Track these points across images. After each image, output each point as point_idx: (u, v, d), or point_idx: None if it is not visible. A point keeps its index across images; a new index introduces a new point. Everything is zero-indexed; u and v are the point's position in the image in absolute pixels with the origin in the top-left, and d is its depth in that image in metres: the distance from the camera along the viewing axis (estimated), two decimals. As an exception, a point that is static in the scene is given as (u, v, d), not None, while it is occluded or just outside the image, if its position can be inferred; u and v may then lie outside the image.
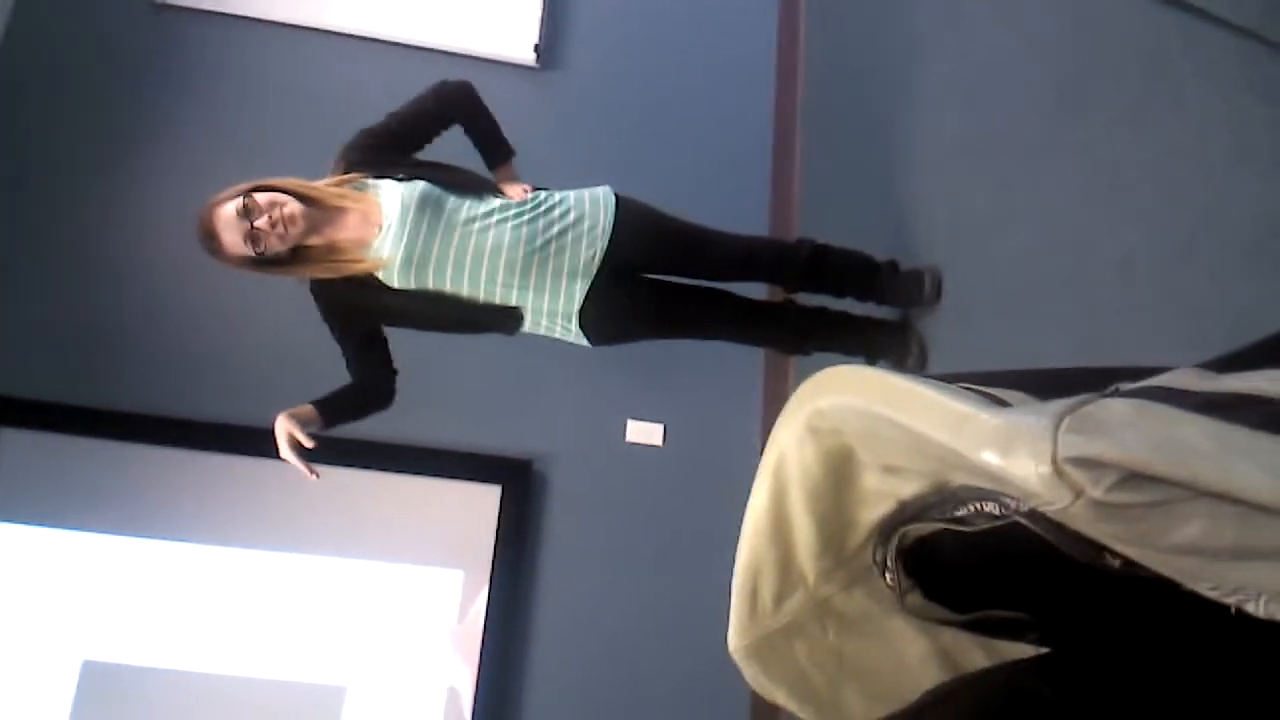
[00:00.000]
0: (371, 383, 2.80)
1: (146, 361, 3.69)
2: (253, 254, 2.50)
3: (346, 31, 4.20)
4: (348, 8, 4.22)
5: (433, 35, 4.24)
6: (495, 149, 2.79)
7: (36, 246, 3.75)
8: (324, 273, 2.64)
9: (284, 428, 2.56)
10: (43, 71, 3.95)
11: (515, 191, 2.72)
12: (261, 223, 2.47)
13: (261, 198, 2.49)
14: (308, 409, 2.66)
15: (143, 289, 3.77)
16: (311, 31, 4.17)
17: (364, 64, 4.18)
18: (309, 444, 2.54)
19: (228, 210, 2.48)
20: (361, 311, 2.71)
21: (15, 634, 3.41)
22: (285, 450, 2.55)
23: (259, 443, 3.62)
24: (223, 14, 4.12)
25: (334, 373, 3.66)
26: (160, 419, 3.62)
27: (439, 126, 2.77)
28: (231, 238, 2.49)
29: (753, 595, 1.11)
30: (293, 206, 2.50)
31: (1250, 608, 0.81)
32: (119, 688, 3.42)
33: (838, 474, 1.04)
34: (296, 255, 2.61)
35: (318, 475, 2.61)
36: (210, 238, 2.52)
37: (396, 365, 2.83)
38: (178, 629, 3.49)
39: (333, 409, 2.71)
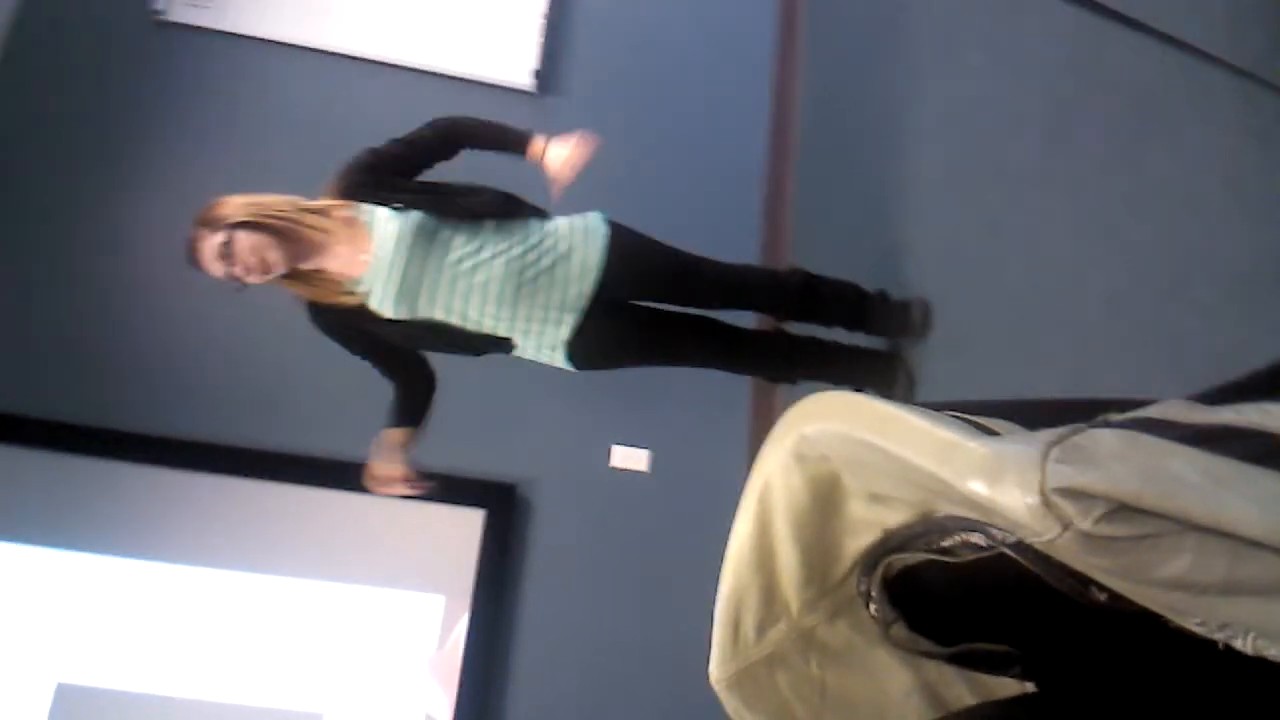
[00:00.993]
0: (410, 377, 2.83)
1: (129, 379, 3.67)
2: (234, 288, 2.55)
3: (346, 53, 4.20)
4: (348, 29, 4.23)
5: (432, 58, 4.25)
6: (512, 144, 2.80)
7: (27, 261, 3.73)
8: (311, 294, 2.63)
9: (383, 475, 2.78)
10: (43, 86, 3.95)
11: (563, 166, 2.73)
12: (238, 269, 2.49)
13: (242, 243, 2.47)
14: (397, 433, 2.79)
15: (131, 306, 3.75)
16: (311, 52, 4.18)
17: (363, 85, 4.19)
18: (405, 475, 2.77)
19: (211, 244, 2.49)
20: (358, 333, 2.71)
21: (-11, 650, 3.36)
22: (393, 489, 2.79)
23: (238, 462, 3.62)
24: (223, 32, 4.12)
25: (325, 392, 3.65)
26: (138, 436, 3.58)
27: (438, 155, 2.76)
28: (213, 267, 2.52)
29: (735, 625, 1.10)
30: (273, 255, 2.49)
31: (1238, 644, 0.80)
32: (93, 711, 3.37)
33: (824, 501, 1.03)
34: (286, 274, 2.60)
35: (424, 485, 2.82)
36: (193, 260, 2.55)
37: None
38: (153, 652, 3.44)
39: (410, 415, 2.84)
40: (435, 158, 2.76)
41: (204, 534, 3.56)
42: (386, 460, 2.76)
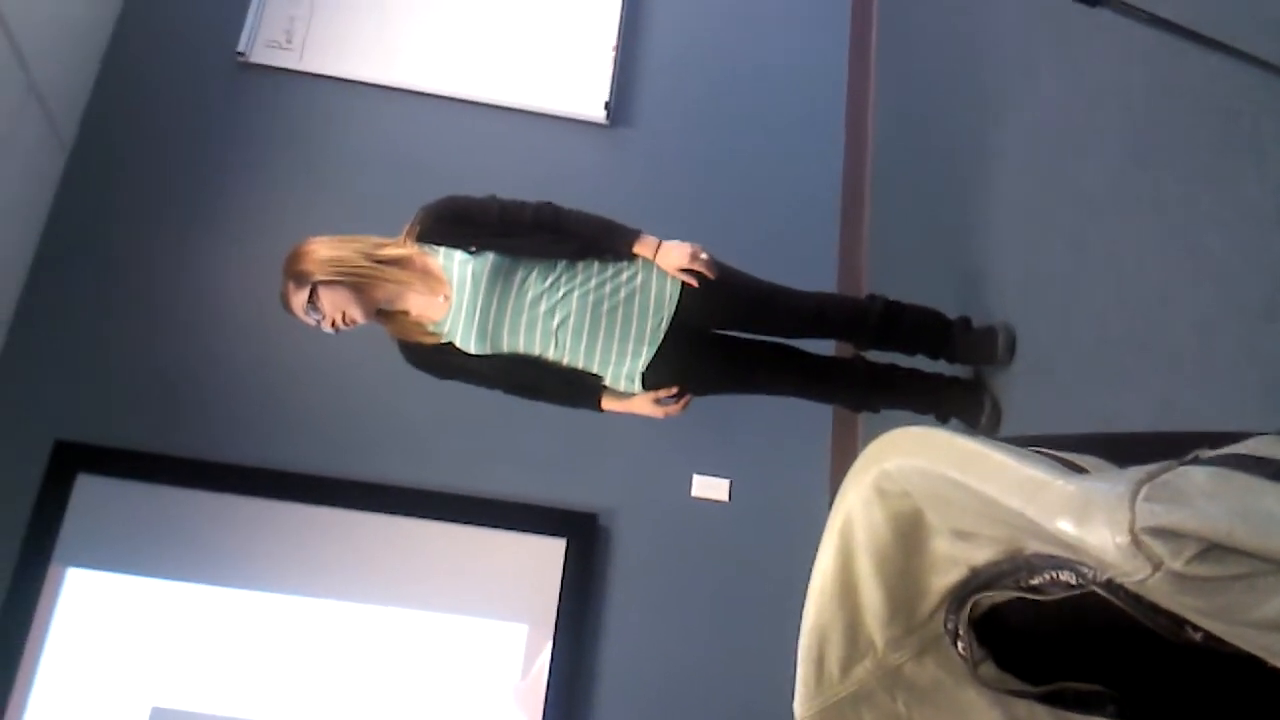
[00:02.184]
0: (530, 379, 2.78)
1: (222, 411, 3.78)
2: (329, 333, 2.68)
3: (421, 90, 4.30)
4: (423, 67, 4.32)
5: (505, 93, 4.33)
6: (615, 244, 2.71)
7: (120, 296, 3.87)
8: (399, 333, 2.72)
9: (649, 407, 2.82)
10: (128, 130, 4.10)
11: (676, 261, 2.66)
12: (326, 323, 2.63)
13: (325, 300, 2.59)
14: (621, 403, 2.83)
15: (220, 340, 3.87)
16: (387, 89, 4.29)
17: (438, 121, 4.28)
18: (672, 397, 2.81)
19: (297, 300, 2.62)
20: (444, 363, 2.77)
21: (87, 678, 3.47)
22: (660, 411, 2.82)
23: (327, 491, 3.70)
24: (304, 73, 4.25)
25: (402, 423, 3.72)
26: (231, 466, 3.69)
27: (526, 234, 2.68)
28: (305, 319, 2.65)
29: (819, 661, 1.09)
30: (351, 310, 2.62)
31: (1338, 688, 0.77)
32: (187, 735, 3.46)
33: (907, 538, 1.02)
34: (375, 314, 2.70)
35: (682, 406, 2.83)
36: (287, 309, 2.67)
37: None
38: (245, 677, 3.53)
39: (581, 393, 2.83)
40: (522, 232, 2.69)
41: (295, 563, 3.65)
42: (639, 406, 2.82)
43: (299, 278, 2.60)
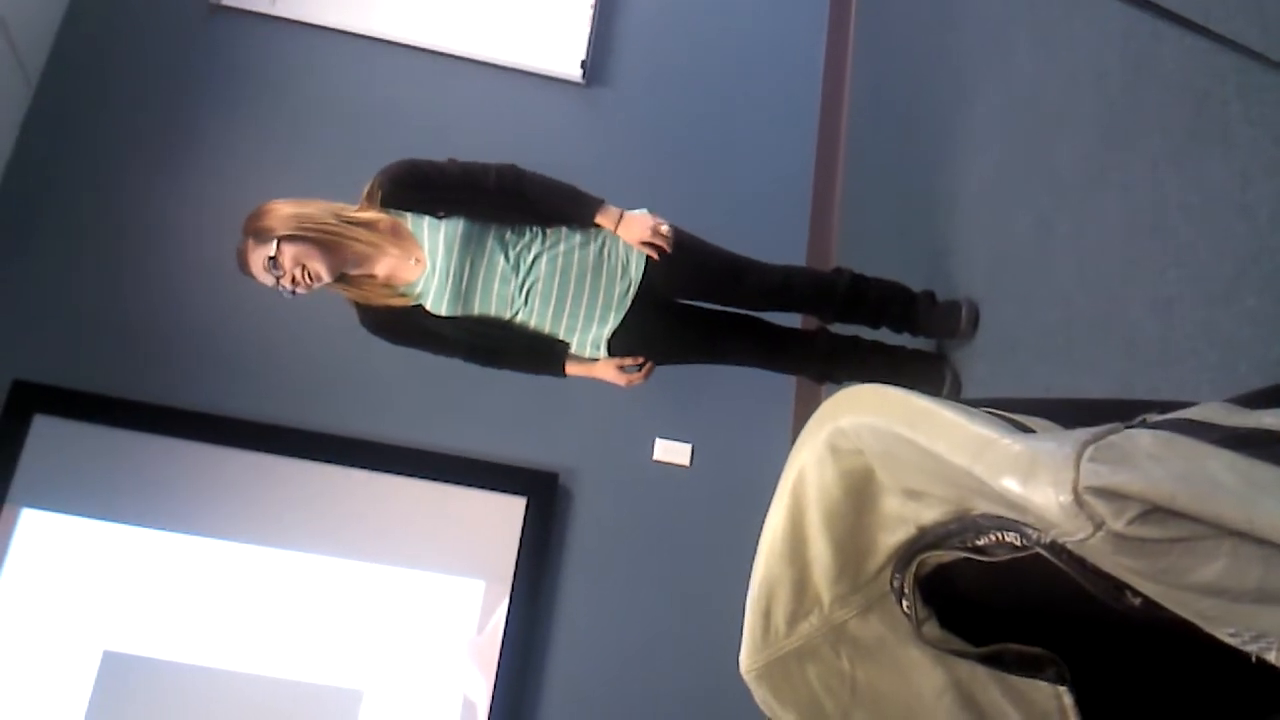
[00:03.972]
0: (490, 344, 2.76)
1: (184, 356, 3.74)
2: (284, 296, 2.59)
3: (396, 40, 4.25)
4: (399, 17, 4.27)
5: (481, 48, 4.28)
6: (576, 213, 2.70)
7: (81, 239, 3.81)
8: (360, 297, 2.66)
9: (613, 373, 2.83)
10: (96, 69, 4.03)
11: (636, 234, 2.67)
12: (285, 280, 2.54)
13: (288, 255, 2.51)
14: (584, 366, 2.83)
15: (184, 286, 3.82)
16: (361, 39, 4.23)
17: (412, 73, 4.23)
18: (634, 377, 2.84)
19: (258, 256, 2.54)
20: (407, 328, 2.73)
21: (38, 621, 3.45)
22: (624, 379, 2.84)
23: (288, 442, 3.68)
24: (274, 17, 4.19)
25: (362, 375, 3.69)
26: (192, 413, 3.66)
27: (490, 199, 2.65)
28: (262, 278, 2.57)
29: (766, 615, 1.10)
30: (316, 266, 2.53)
31: (1271, 657, 0.79)
32: (138, 680, 3.44)
33: (858, 495, 1.03)
34: (336, 279, 2.63)
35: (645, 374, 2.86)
36: (244, 268, 2.60)
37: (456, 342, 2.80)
38: (199, 624, 3.52)
39: (544, 361, 2.83)
40: (485, 198, 2.66)
41: (253, 512, 3.64)
42: (618, 375, 2.83)
43: (261, 234, 2.53)
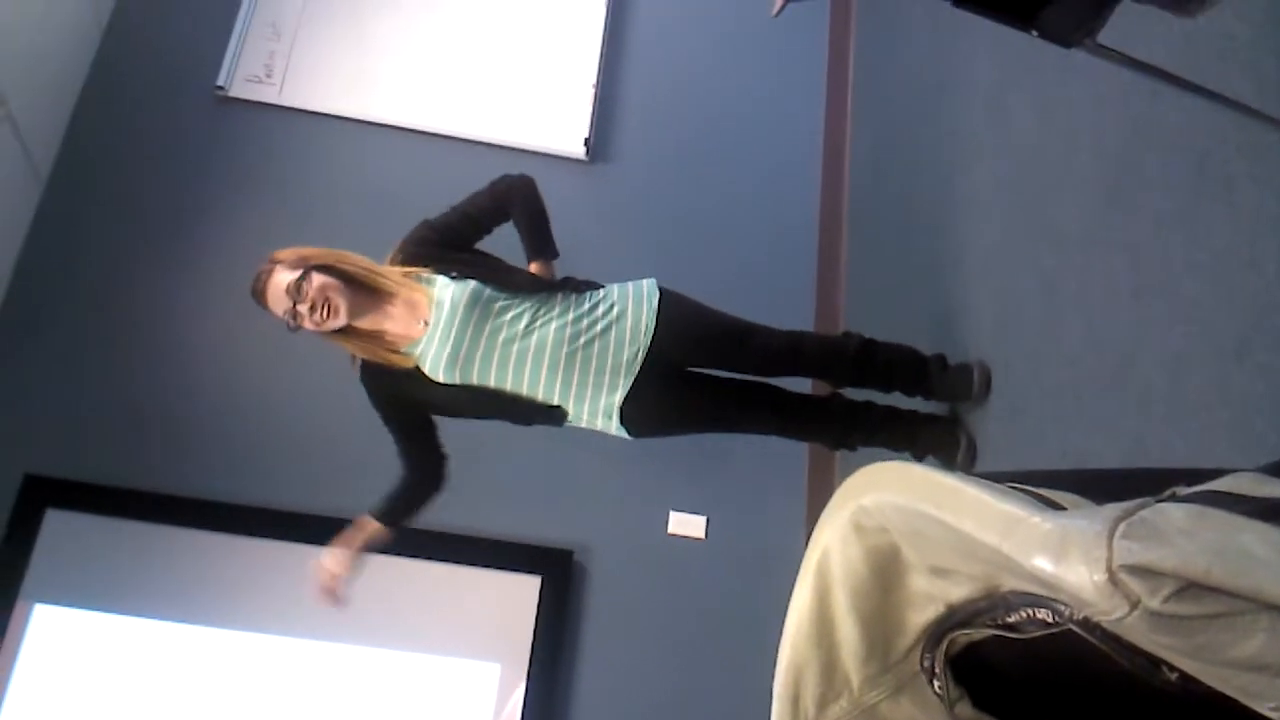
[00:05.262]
0: (423, 473, 2.81)
1: (195, 446, 3.74)
2: (288, 327, 2.59)
3: (403, 125, 4.31)
4: (405, 103, 4.34)
5: (487, 130, 4.34)
6: (541, 244, 2.84)
7: (92, 330, 3.84)
8: (364, 353, 2.68)
9: (326, 571, 2.72)
10: (106, 157, 4.09)
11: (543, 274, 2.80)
12: (303, 308, 2.55)
13: (315, 283, 2.53)
14: (372, 526, 2.75)
15: (194, 375, 3.84)
16: (367, 125, 4.29)
17: (418, 156, 4.28)
18: (342, 587, 2.74)
19: (280, 279, 2.56)
20: (409, 401, 2.73)
21: (53, 716, 3.40)
22: (320, 591, 2.72)
23: (297, 528, 3.65)
24: (283, 107, 4.25)
25: (378, 460, 3.67)
26: (205, 502, 3.65)
27: (495, 220, 2.82)
28: (275, 304, 2.58)
29: (794, 700, 1.07)
30: (338, 300, 2.56)
31: (1314, 730, 0.77)
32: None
33: (884, 573, 1.01)
34: (342, 329, 2.65)
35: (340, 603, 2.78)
36: (259, 295, 2.61)
37: (446, 450, 2.83)
38: (215, 716, 3.47)
39: (393, 514, 2.79)
40: (491, 222, 2.82)
41: (264, 600, 3.61)
42: (343, 550, 2.73)
43: (295, 261, 2.57)
